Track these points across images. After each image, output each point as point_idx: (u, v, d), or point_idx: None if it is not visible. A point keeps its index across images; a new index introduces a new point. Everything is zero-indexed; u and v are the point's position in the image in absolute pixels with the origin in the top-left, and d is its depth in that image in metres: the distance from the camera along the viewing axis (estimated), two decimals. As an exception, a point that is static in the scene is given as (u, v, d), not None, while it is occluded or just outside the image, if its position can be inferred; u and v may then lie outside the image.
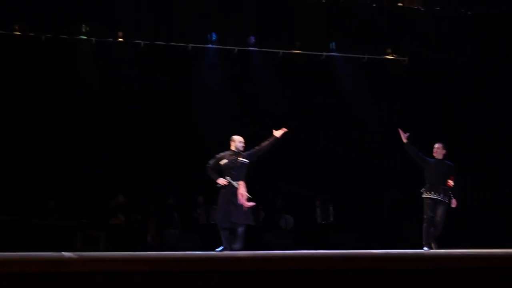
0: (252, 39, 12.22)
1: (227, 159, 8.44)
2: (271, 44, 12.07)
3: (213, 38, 12.49)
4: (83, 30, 12.03)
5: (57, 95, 12.78)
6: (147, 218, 12.91)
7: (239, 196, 8.29)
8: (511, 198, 10.79)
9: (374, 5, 11.24)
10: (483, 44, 11.47)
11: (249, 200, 8.36)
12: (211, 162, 8.54)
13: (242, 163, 8.43)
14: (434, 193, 8.96)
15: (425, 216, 8.98)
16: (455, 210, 9.09)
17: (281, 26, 11.52)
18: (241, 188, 8.33)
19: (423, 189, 9.09)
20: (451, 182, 8.94)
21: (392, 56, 12.95)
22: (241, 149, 8.49)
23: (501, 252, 5.73)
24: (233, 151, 8.49)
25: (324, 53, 12.76)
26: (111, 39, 11.85)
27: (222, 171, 8.51)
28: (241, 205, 8.28)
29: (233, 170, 8.39)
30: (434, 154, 9.20)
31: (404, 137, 9.22)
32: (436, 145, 9.25)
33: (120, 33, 12.22)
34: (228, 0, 11.35)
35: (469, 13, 11.24)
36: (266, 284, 4.10)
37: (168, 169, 12.95)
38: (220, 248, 8.35)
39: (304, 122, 13.92)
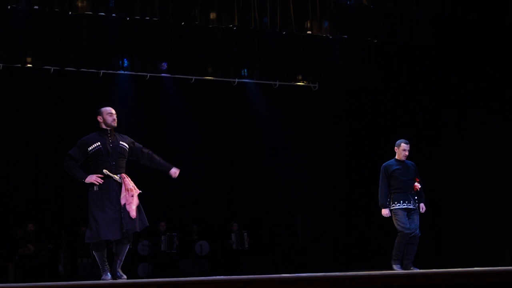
0: (164, 65, 12.20)
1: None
2: (183, 71, 12.06)
3: (125, 64, 12.41)
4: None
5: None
6: (58, 247, 12.63)
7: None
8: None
9: (284, 33, 11.41)
10: (386, 69, 11.93)
11: None
12: None
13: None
14: None
15: None
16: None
17: (193, 52, 11.55)
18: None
19: None
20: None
21: (303, 82, 13.19)
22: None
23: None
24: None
25: (236, 80, 12.88)
26: (19, 65, 11.58)
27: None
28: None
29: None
30: None
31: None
32: None
33: (28, 59, 11.95)
34: (139, 26, 11.29)
35: (375, 41, 11.61)
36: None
37: (79, 196, 12.69)
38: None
39: (217, 148, 14.00)
